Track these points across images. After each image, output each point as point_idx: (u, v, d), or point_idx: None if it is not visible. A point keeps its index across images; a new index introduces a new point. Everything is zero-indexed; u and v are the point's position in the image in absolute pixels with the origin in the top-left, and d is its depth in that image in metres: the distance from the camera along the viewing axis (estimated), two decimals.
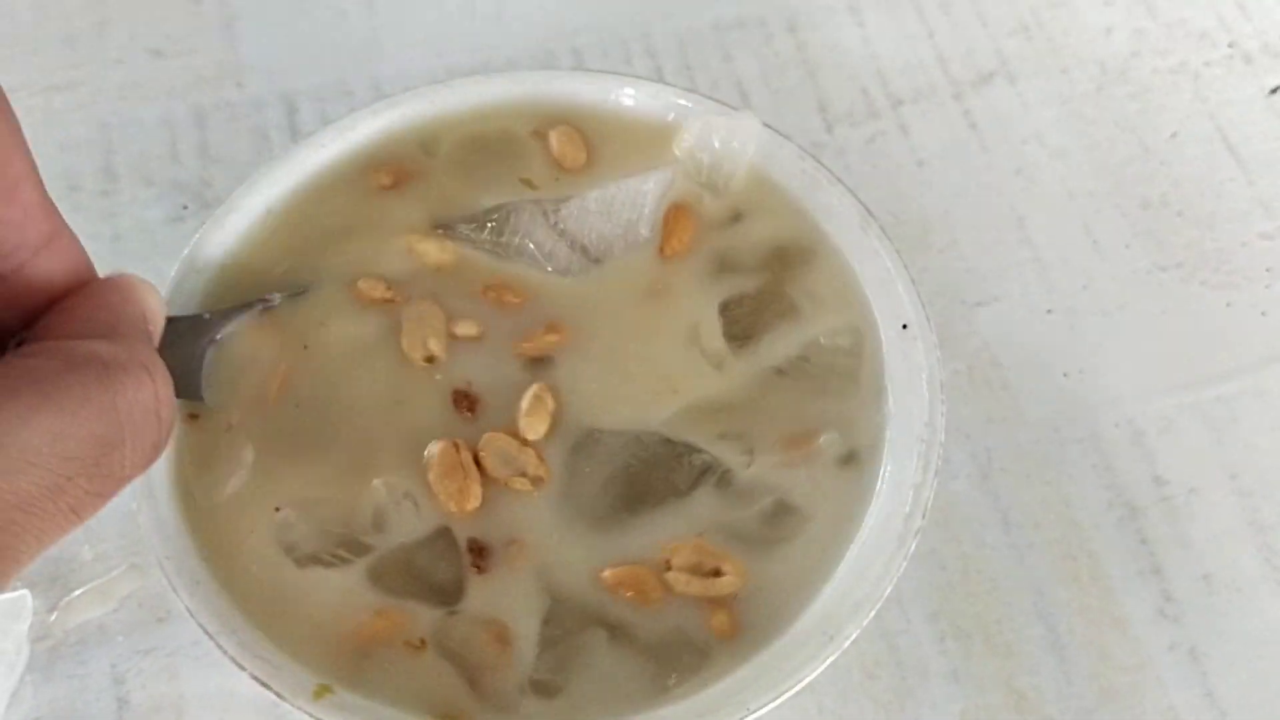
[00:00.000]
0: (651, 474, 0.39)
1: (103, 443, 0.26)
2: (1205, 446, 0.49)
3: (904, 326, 0.40)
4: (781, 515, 0.38)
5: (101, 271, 0.51)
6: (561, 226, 0.43)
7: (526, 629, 0.36)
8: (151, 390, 0.27)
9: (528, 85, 0.46)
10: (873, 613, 0.35)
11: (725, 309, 0.42)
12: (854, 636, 0.35)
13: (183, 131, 0.55)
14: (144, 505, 0.36)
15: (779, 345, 0.41)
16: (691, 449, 0.39)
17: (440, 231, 0.43)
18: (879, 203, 0.53)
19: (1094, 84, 0.58)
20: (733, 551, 0.37)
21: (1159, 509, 0.48)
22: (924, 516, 0.36)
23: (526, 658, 0.36)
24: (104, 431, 0.26)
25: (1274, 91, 0.58)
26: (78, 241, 0.31)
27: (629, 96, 0.46)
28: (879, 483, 0.39)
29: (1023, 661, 0.45)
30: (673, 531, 0.38)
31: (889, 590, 0.36)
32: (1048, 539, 0.47)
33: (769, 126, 0.45)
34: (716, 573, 0.37)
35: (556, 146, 0.45)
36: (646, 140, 0.45)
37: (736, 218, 0.44)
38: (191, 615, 0.35)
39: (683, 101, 0.45)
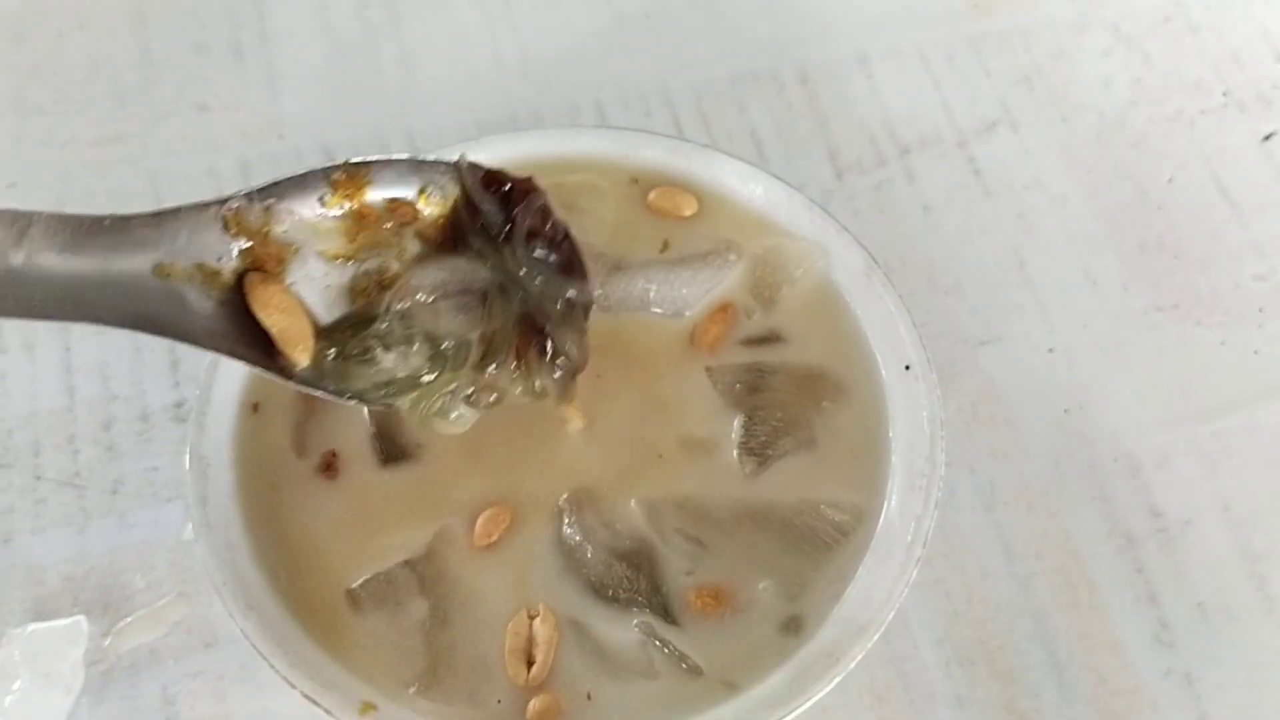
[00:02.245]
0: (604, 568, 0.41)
1: None
2: (1199, 479, 0.52)
3: (906, 368, 0.43)
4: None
5: None
6: (601, 293, 0.45)
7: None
8: None
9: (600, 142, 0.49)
10: (875, 637, 0.37)
11: (748, 423, 0.43)
12: (858, 659, 0.37)
13: (228, 182, 0.58)
14: (201, 535, 0.39)
15: (785, 477, 0.42)
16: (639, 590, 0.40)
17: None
18: (887, 247, 0.56)
19: (1093, 132, 0.61)
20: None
21: (1155, 539, 0.50)
22: (924, 545, 0.39)
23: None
24: None
25: (1267, 138, 0.61)
26: None
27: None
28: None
29: (1024, 685, 0.47)
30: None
31: (891, 616, 0.38)
32: (1048, 568, 0.49)
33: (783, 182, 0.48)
34: (529, 663, 0.39)
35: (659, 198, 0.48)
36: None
37: (776, 338, 0.45)
38: (246, 637, 0.37)
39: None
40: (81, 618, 0.47)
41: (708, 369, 0.44)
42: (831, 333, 0.45)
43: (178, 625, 0.47)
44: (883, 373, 0.43)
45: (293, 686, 0.36)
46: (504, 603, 0.39)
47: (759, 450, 0.42)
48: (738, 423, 0.43)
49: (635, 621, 0.39)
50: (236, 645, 0.46)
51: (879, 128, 0.61)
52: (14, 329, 0.54)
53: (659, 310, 0.45)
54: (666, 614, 0.40)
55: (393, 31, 0.63)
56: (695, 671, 0.39)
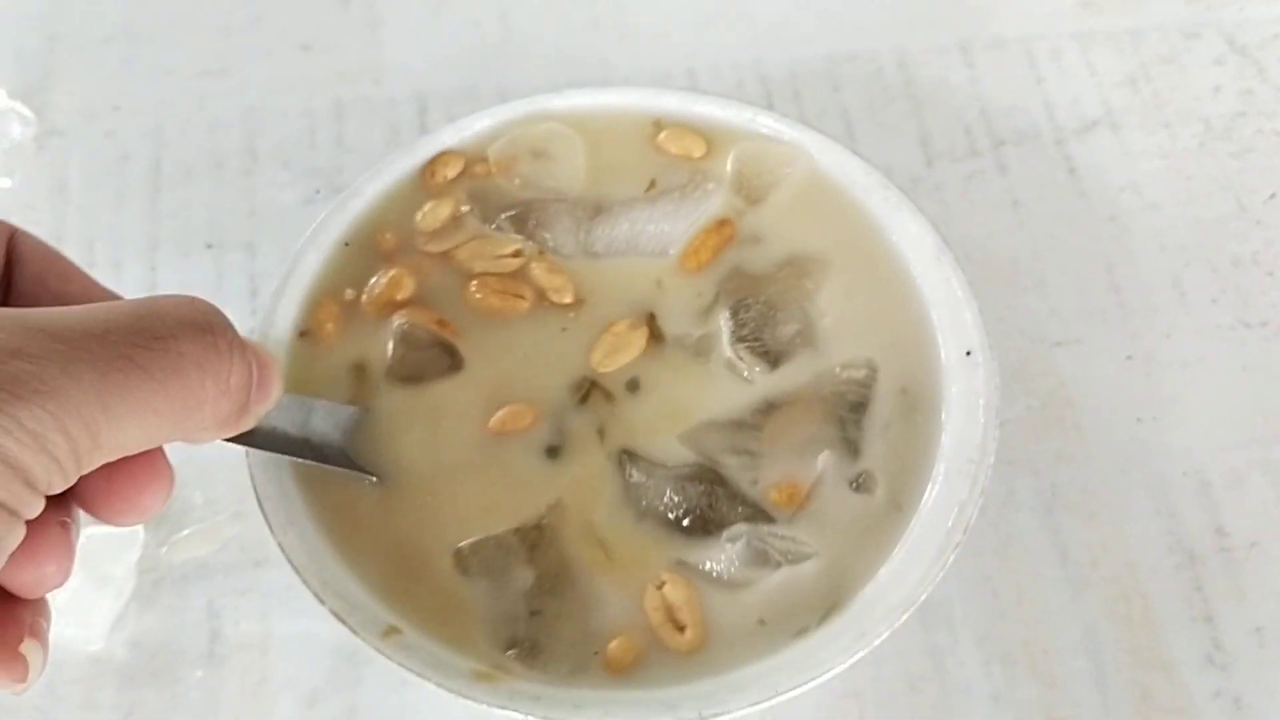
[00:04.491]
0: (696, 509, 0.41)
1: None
2: (1271, 502, 0.50)
3: (968, 353, 0.42)
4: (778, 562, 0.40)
5: (238, 242, 0.56)
6: (586, 237, 0.47)
7: None
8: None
9: (630, 98, 0.49)
10: (904, 617, 0.37)
11: (734, 314, 0.44)
12: (884, 636, 0.36)
13: (321, 122, 0.60)
14: (252, 450, 0.40)
15: (791, 365, 0.43)
16: (735, 496, 0.41)
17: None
18: (970, 238, 0.55)
19: (1197, 140, 0.59)
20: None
21: (1218, 559, 0.48)
22: (965, 532, 0.38)
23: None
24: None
25: None
26: None
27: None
28: (917, 506, 0.41)
29: (1065, 693, 0.46)
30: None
31: (923, 597, 0.37)
32: (1103, 577, 0.48)
33: (858, 155, 0.48)
34: (680, 628, 0.39)
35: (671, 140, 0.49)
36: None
37: (758, 240, 0.46)
38: (283, 551, 0.38)
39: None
40: (139, 526, 0.48)
41: (690, 282, 0.45)
42: (822, 227, 0.46)
43: (230, 542, 0.49)
44: (941, 356, 0.43)
45: (321, 603, 0.37)
46: (603, 571, 0.40)
47: (750, 338, 0.43)
48: (724, 318, 0.44)
49: (732, 532, 0.40)
50: (284, 567, 0.47)
51: (975, 118, 0.60)
52: (105, 245, 0.56)
53: (648, 248, 0.46)
54: (760, 514, 0.40)
55: None
56: (807, 556, 0.40)
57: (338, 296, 0.45)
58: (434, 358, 0.43)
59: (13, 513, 0.26)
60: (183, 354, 0.28)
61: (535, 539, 0.40)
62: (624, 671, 0.38)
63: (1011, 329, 0.53)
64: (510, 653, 0.38)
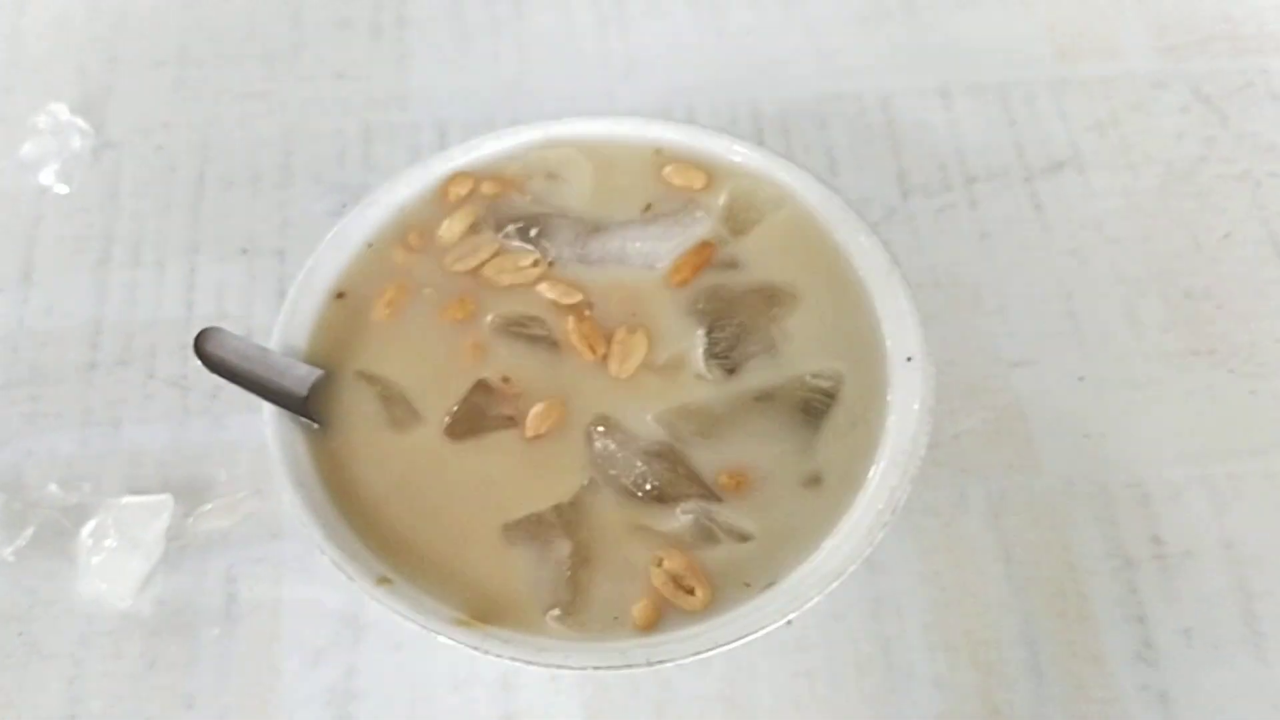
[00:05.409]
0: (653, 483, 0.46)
1: None
2: (1207, 516, 0.54)
3: (909, 359, 0.47)
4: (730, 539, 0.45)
5: (271, 248, 0.61)
6: (583, 250, 0.52)
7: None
8: None
9: (625, 127, 0.55)
10: (834, 585, 0.41)
11: (710, 332, 0.49)
12: (815, 601, 0.41)
13: (351, 143, 0.65)
14: (271, 418, 0.46)
15: (760, 374, 0.48)
16: (694, 479, 0.46)
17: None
18: (939, 266, 0.60)
19: (1158, 181, 0.63)
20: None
21: (1153, 565, 0.52)
22: (894, 513, 0.43)
23: None
24: None
25: None
26: None
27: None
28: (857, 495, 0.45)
29: (1002, 679, 0.50)
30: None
31: (853, 569, 0.42)
32: (1043, 576, 0.52)
33: (820, 180, 0.53)
34: (691, 591, 0.43)
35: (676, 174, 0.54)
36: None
37: (736, 265, 0.51)
38: (292, 508, 0.43)
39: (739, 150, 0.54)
40: (169, 497, 0.53)
41: (675, 295, 0.50)
42: (792, 259, 0.51)
43: (249, 517, 0.54)
44: (888, 359, 0.48)
45: (322, 553, 0.42)
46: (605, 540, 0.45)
47: (724, 354, 0.48)
48: (700, 334, 0.49)
49: (685, 506, 0.45)
50: (296, 541, 0.53)
51: (950, 156, 0.64)
52: (151, 247, 0.62)
53: (636, 263, 0.51)
54: (710, 494, 0.45)
55: (515, 25, 0.69)
56: (749, 537, 0.45)
57: (404, 287, 0.51)
58: (497, 420, 0.48)
59: None
60: None
61: (570, 515, 0.45)
62: (650, 629, 0.43)
63: (972, 349, 0.58)
64: (552, 613, 0.43)
